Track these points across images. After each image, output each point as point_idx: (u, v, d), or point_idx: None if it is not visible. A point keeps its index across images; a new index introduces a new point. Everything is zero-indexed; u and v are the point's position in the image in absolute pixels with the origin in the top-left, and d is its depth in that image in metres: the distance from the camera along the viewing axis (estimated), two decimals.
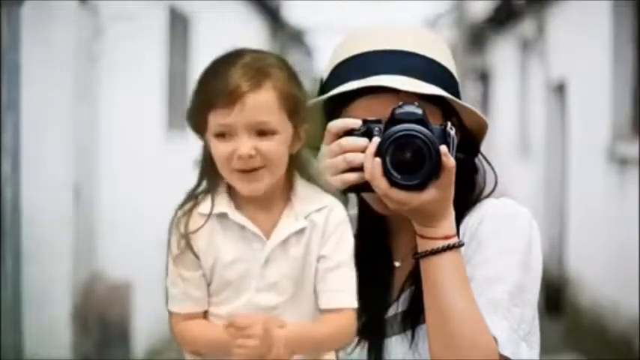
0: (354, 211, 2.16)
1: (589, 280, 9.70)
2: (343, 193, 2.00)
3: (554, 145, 11.79)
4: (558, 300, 10.72)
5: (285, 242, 1.95)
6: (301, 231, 1.95)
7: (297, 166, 1.99)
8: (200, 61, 11.15)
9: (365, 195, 2.06)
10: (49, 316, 6.23)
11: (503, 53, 16.00)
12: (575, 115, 10.68)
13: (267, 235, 1.95)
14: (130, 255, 8.13)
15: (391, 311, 2.07)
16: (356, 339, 2.08)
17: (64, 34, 6.62)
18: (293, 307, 1.95)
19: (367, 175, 1.91)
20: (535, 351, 2.00)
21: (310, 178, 2.00)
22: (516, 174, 13.66)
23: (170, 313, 1.98)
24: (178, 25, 10.51)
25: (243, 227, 1.95)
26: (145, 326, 8.30)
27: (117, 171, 8.15)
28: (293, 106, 1.93)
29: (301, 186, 1.99)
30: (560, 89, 11.52)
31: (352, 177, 1.95)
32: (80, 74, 7.22)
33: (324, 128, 2.00)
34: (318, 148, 2.01)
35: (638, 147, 8.13)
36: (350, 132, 1.96)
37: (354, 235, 2.14)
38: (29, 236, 5.04)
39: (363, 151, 1.92)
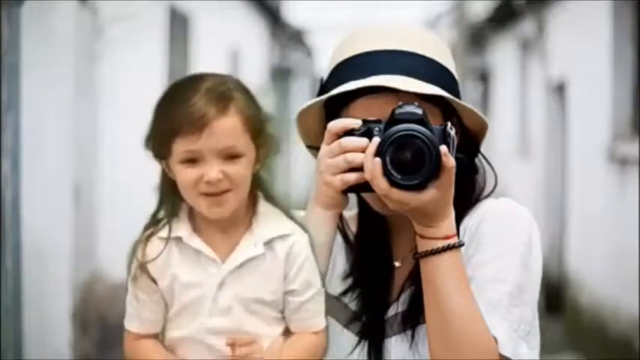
0: (354, 211, 2.16)
1: (589, 280, 9.69)
2: (343, 193, 2.00)
3: (554, 145, 11.79)
4: (558, 300, 10.71)
5: (240, 267, 1.95)
6: (259, 257, 1.95)
7: (259, 187, 1.99)
8: (200, 61, 11.15)
9: (365, 195, 2.06)
10: (49, 316, 6.22)
11: (503, 53, 16.00)
12: (575, 115, 10.67)
13: (224, 259, 1.95)
14: None
15: (391, 311, 2.07)
16: (356, 339, 2.08)
17: (64, 34, 6.62)
18: (243, 333, 1.95)
19: (367, 175, 1.91)
20: (535, 351, 2.00)
21: (272, 199, 2.01)
22: (516, 174, 13.66)
23: (124, 330, 2.01)
24: (178, 25, 10.51)
25: (199, 251, 1.96)
26: None
27: (117, 171, 8.15)
28: (256, 128, 1.95)
29: (263, 209, 1.99)
30: (560, 89, 11.51)
31: (352, 177, 1.95)
32: (80, 74, 7.21)
33: (325, 128, 2.00)
34: (317, 148, 2.02)
35: (638, 147, 8.12)
36: (350, 132, 1.95)
37: (355, 235, 2.14)
38: (29, 236, 5.03)
39: (363, 151, 1.92)
